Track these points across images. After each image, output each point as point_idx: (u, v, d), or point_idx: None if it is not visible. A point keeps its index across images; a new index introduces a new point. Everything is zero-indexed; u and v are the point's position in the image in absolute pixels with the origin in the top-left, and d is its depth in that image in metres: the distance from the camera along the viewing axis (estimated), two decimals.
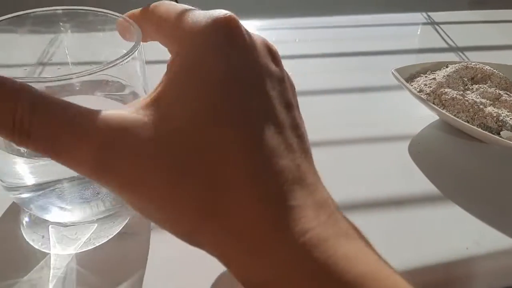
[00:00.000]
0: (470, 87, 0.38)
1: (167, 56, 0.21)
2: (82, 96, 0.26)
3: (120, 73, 0.24)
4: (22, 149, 0.24)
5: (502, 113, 0.35)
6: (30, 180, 0.25)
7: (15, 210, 0.29)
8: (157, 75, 0.21)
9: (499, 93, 0.37)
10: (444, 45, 0.52)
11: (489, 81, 0.39)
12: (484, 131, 0.34)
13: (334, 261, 0.16)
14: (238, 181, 0.17)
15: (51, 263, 0.26)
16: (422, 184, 0.33)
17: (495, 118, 0.35)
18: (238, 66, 0.19)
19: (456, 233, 0.29)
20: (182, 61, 0.19)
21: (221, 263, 0.18)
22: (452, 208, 0.31)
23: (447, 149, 0.36)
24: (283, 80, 0.20)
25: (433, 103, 0.37)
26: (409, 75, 0.40)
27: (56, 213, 0.26)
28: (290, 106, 0.20)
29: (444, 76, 0.39)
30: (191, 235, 0.18)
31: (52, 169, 0.25)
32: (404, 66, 0.41)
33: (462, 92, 0.36)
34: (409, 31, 0.58)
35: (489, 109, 0.35)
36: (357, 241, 0.17)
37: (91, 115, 0.18)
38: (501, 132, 0.34)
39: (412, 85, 0.39)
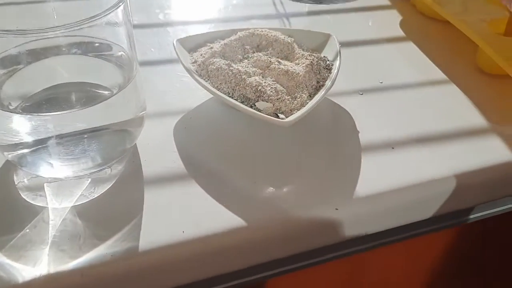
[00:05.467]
0: (250, 56, 0.36)
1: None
2: (72, 56, 0.29)
3: (104, 34, 0.29)
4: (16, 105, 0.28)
5: (265, 82, 0.33)
6: (22, 137, 0.28)
7: (9, 170, 0.31)
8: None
9: (270, 61, 0.35)
10: (273, 12, 0.50)
11: (270, 48, 0.37)
12: (237, 102, 0.33)
13: None
14: None
15: (49, 216, 0.28)
16: (170, 159, 0.32)
17: (254, 88, 0.33)
18: None
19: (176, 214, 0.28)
20: None
21: None
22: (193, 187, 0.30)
23: (217, 123, 0.35)
24: None
25: (201, 75, 0.35)
26: (195, 45, 0.38)
27: (48, 169, 0.29)
28: None
29: (222, 45, 0.37)
30: None
31: (44, 126, 0.28)
32: (192, 35, 0.39)
33: (229, 62, 0.35)
34: None
35: (252, 79, 0.34)
36: None
37: None
38: (256, 103, 0.33)
39: (192, 56, 0.37)
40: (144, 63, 0.40)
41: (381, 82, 0.40)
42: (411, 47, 0.44)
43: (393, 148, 0.33)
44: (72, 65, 0.31)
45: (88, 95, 0.30)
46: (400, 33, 0.47)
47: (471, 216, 0.34)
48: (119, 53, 0.30)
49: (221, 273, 0.28)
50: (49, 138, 0.28)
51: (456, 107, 0.37)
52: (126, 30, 0.29)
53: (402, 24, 0.48)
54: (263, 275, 0.30)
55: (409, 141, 0.34)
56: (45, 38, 0.27)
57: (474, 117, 0.36)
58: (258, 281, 0.30)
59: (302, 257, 0.30)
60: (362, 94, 0.38)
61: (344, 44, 0.42)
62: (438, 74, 0.41)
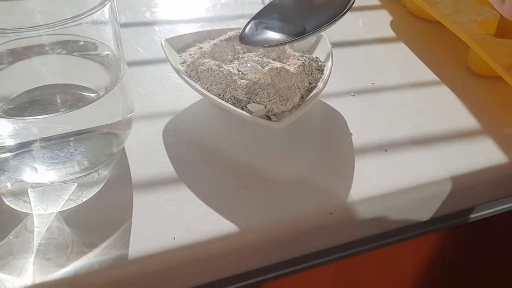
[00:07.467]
0: (241, 56, 0.36)
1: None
2: (56, 55, 0.28)
3: (90, 33, 0.27)
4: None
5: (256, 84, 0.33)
6: (4, 141, 0.27)
7: None
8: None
9: (266, 62, 0.34)
10: None
11: (261, 49, 0.36)
12: (228, 104, 0.32)
13: None
14: None
15: (34, 223, 0.26)
16: (159, 163, 0.31)
17: (245, 90, 0.32)
18: None
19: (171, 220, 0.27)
20: None
21: None
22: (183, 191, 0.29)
23: (208, 125, 0.34)
24: None
25: (190, 76, 0.34)
26: (184, 45, 0.37)
27: (32, 174, 0.28)
28: None
29: (211, 45, 0.36)
30: None
31: (28, 129, 0.26)
32: (180, 35, 0.38)
33: (219, 63, 0.34)
34: None
35: (243, 80, 0.33)
36: None
37: None
38: (247, 105, 0.32)
39: (181, 56, 0.36)
40: (131, 63, 0.39)
41: (373, 83, 0.39)
42: (402, 48, 0.44)
43: (386, 150, 0.33)
44: (56, 65, 0.29)
45: (73, 97, 0.29)
46: (391, 33, 0.46)
47: (472, 216, 0.34)
48: (106, 53, 0.29)
49: (213, 280, 0.28)
50: (33, 141, 0.27)
51: (448, 109, 0.37)
52: (113, 29, 0.28)
53: (393, 25, 0.48)
54: (257, 280, 0.30)
55: (402, 143, 0.33)
56: (28, 37, 0.26)
57: (465, 119, 0.36)
58: (252, 286, 0.29)
59: (295, 262, 0.29)
60: (354, 95, 0.38)
61: (335, 45, 0.41)
62: (429, 75, 0.41)
